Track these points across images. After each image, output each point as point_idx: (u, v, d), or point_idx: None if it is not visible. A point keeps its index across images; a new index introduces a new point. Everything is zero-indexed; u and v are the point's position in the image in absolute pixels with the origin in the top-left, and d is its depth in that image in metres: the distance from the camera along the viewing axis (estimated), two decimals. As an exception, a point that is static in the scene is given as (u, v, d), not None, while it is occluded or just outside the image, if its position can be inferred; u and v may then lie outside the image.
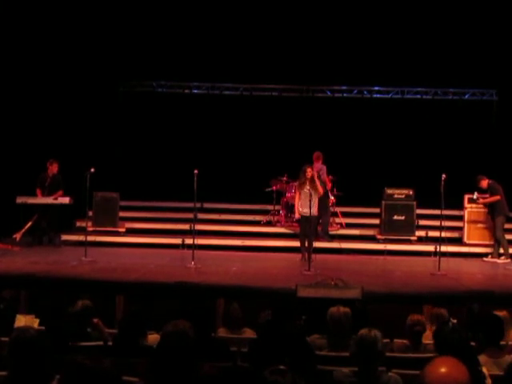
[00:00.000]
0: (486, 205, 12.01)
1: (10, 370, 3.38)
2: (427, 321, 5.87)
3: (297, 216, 11.19)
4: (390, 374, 4.15)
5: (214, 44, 14.53)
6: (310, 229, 10.90)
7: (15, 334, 3.48)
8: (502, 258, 11.46)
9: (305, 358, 4.04)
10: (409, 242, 12.52)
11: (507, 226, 12.35)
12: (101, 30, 13.77)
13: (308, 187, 10.70)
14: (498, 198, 11.56)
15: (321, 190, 11.11)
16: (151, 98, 15.53)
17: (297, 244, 11.38)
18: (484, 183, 11.73)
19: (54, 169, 12.22)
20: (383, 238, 12.57)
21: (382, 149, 14.85)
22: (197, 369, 3.52)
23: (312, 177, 10.89)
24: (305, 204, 10.67)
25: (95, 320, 5.80)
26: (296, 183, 11.30)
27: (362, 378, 4.01)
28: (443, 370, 2.47)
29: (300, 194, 10.93)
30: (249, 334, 6.15)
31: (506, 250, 11.50)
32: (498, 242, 11.59)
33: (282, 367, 2.77)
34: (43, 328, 5.31)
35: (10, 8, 12.77)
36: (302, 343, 4.54)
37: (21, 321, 5.73)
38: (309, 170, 10.91)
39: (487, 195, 11.84)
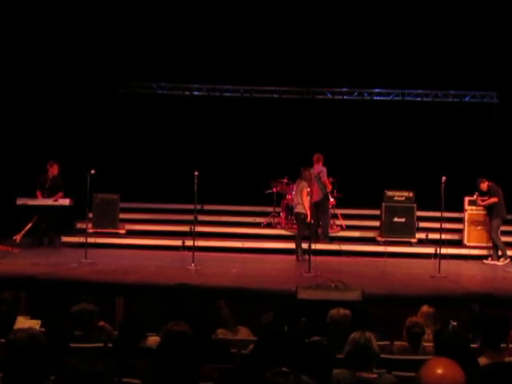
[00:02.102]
0: (485, 206, 12.01)
1: (6, 370, 3.39)
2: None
3: (310, 219, 11.01)
4: (386, 375, 4.15)
5: (214, 46, 14.54)
6: (310, 230, 10.94)
7: (11, 336, 3.49)
8: (502, 259, 11.46)
9: (322, 361, 4.04)
10: (409, 244, 12.52)
11: (506, 228, 12.39)
12: (101, 32, 13.79)
13: (309, 188, 10.76)
14: (496, 199, 11.58)
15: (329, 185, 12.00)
16: (151, 100, 15.55)
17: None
18: (484, 186, 11.76)
19: (54, 170, 12.23)
20: (383, 240, 12.58)
21: (382, 151, 14.86)
22: (196, 370, 3.52)
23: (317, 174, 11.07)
24: (307, 204, 10.77)
25: (101, 323, 5.80)
26: (305, 184, 11.14)
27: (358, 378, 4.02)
28: (439, 371, 2.47)
29: (307, 196, 10.94)
30: (243, 332, 6.15)
31: (503, 251, 11.52)
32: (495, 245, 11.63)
33: (284, 369, 2.77)
34: (43, 329, 5.31)
35: (11, 9, 12.78)
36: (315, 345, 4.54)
37: (21, 323, 5.72)
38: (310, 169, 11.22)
39: (487, 197, 11.85)
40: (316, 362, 4.06)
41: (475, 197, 12.10)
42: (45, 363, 3.37)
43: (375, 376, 4.06)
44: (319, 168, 12.41)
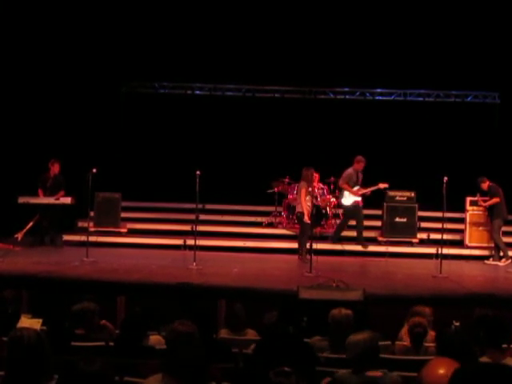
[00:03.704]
0: (486, 207, 11.98)
1: (7, 369, 3.38)
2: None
3: (307, 219, 11.06)
4: (391, 374, 4.16)
5: (216, 45, 14.53)
6: (312, 230, 10.94)
7: (13, 334, 3.48)
8: (503, 260, 11.45)
9: (307, 360, 4.05)
10: (410, 244, 12.51)
11: (508, 228, 12.38)
12: (103, 31, 13.78)
13: (310, 188, 10.78)
14: (497, 200, 11.55)
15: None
16: (153, 99, 15.54)
17: (298, 245, 11.39)
18: (485, 185, 11.73)
19: (55, 169, 12.22)
20: (385, 240, 12.56)
21: (383, 151, 14.83)
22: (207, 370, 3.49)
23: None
24: (311, 205, 10.77)
25: (102, 321, 5.81)
26: (304, 184, 11.18)
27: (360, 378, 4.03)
28: (441, 371, 2.48)
29: (306, 195, 10.95)
30: (251, 334, 6.14)
31: (505, 252, 11.50)
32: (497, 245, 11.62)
33: (286, 369, 2.77)
34: (45, 328, 5.31)
35: (12, 9, 12.78)
36: (304, 345, 4.54)
37: (23, 321, 5.72)
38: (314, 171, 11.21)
39: (488, 197, 11.83)
40: (301, 361, 4.06)
41: (477, 198, 12.09)
42: (48, 362, 3.36)
43: (381, 375, 4.07)
44: (348, 171, 12.33)
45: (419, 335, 5.47)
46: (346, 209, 12.40)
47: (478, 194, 12.04)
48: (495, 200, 11.58)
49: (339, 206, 12.88)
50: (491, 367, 2.00)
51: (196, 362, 3.38)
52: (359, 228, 12.35)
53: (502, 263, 11.39)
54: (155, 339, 5.19)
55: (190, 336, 3.50)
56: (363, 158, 12.30)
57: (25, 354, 3.33)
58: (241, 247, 12.25)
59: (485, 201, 11.86)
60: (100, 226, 12.65)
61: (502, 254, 11.53)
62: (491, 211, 11.73)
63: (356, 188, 12.23)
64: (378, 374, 4.07)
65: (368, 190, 12.30)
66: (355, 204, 12.21)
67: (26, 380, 3.31)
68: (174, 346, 3.49)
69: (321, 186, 13.07)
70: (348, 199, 12.23)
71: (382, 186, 12.34)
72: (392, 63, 14.43)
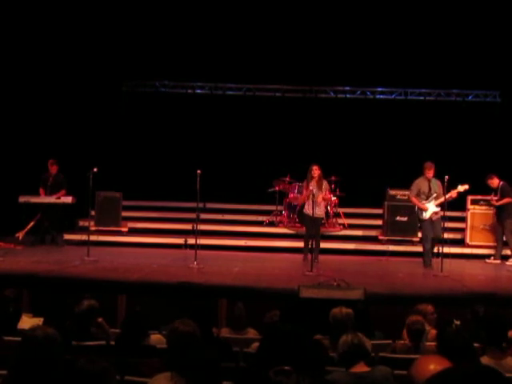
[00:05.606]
0: (495, 206, 11.85)
1: (15, 369, 3.31)
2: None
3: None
4: (380, 367, 4.17)
5: (217, 44, 14.52)
6: (315, 229, 10.89)
7: (29, 334, 3.41)
8: (510, 260, 11.36)
9: (314, 360, 4.05)
10: (411, 243, 12.50)
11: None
12: (104, 30, 13.77)
13: (312, 187, 10.67)
14: (510, 200, 11.44)
15: (327, 193, 11.03)
16: (154, 98, 15.54)
17: (299, 244, 11.37)
18: (494, 182, 11.57)
19: (53, 169, 12.21)
20: (386, 238, 12.56)
21: (384, 150, 14.84)
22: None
23: (319, 175, 10.80)
24: (309, 203, 10.69)
25: (99, 319, 5.80)
26: (304, 183, 11.20)
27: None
28: (431, 367, 2.49)
29: (308, 193, 10.89)
30: (252, 334, 6.14)
31: None
32: (500, 245, 11.55)
33: (286, 368, 2.76)
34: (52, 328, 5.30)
35: (12, 7, 12.77)
36: (313, 344, 4.54)
37: (25, 321, 5.73)
38: (314, 168, 10.82)
39: (498, 197, 11.67)
40: (310, 360, 4.07)
41: (491, 197, 11.85)
42: (57, 364, 3.29)
43: (368, 370, 4.08)
44: (416, 181, 11.03)
45: (417, 333, 5.48)
46: (424, 223, 10.76)
47: (493, 194, 11.83)
48: (507, 199, 11.46)
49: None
50: (477, 371, 1.98)
51: (201, 361, 3.37)
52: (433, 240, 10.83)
53: (510, 263, 11.30)
54: (156, 338, 5.19)
55: (190, 335, 3.49)
56: (430, 162, 10.87)
57: (38, 354, 3.27)
58: (242, 246, 12.26)
59: (497, 200, 11.70)
60: (101, 225, 12.67)
61: (509, 252, 11.44)
62: (502, 210, 11.57)
63: (432, 200, 10.65)
64: (365, 368, 4.08)
65: (447, 198, 10.43)
66: (431, 217, 10.64)
67: (34, 380, 3.25)
68: (175, 345, 3.48)
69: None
70: (427, 213, 10.65)
71: (461, 188, 10.54)
72: (393, 62, 14.41)
